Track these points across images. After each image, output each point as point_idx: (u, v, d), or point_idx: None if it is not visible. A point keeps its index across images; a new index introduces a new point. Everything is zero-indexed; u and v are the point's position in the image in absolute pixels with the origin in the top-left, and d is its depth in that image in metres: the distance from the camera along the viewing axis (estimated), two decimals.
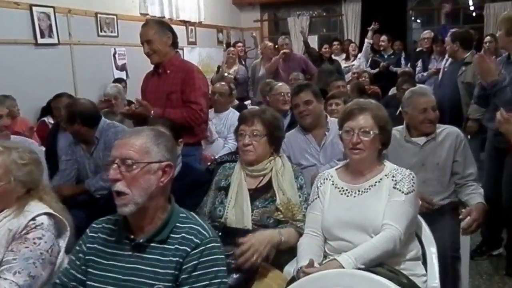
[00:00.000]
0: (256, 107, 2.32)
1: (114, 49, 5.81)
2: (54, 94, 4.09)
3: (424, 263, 1.84)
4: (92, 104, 3.01)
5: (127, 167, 1.32)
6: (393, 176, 1.81)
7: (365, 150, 1.81)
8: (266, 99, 4.10)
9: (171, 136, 1.49)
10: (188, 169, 2.22)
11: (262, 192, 1.96)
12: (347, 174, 1.90)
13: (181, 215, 1.40)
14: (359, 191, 1.83)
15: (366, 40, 6.74)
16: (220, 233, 1.85)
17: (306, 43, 6.80)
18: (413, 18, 8.67)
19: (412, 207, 1.78)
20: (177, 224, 1.37)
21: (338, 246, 1.77)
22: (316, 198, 1.89)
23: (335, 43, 6.96)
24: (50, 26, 4.85)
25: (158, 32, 2.76)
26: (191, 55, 7.56)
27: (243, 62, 6.85)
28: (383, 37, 6.69)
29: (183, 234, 1.35)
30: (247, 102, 5.56)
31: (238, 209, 1.91)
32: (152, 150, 1.35)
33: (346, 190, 1.85)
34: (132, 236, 1.38)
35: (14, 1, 4.44)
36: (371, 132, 1.81)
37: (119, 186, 1.32)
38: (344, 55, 7.11)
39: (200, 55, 7.76)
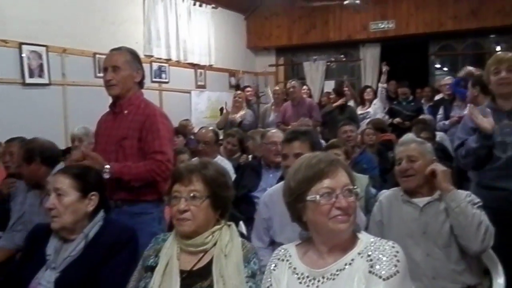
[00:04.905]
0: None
1: None
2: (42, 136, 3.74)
3: None
4: (53, 143, 2.76)
5: None
6: (369, 255, 1.30)
7: (351, 216, 1.32)
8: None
9: None
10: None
11: (199, 277, 1.45)
12: (308, 253, 1.39)
13: None
14: (323, 277, 1.32)
15: (379, 84, 6.32)
16: None
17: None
18: (435, 63, 8.17)
19: None
20: None
21: None
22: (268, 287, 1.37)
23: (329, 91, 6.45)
24: (41, 65, 4.62)
25: (130, 63, 2.37)
26: (199, 98, 7.29)
27: (252, 107, 6.49)
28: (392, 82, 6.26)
29: None
30: None
31: None
32: None
33: (307, 277, 1.34)
34: None
35: (2, 39, 4.25)
36: (355, 190, 1.36)
37: None
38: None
39: (209, 99, 7.47)
